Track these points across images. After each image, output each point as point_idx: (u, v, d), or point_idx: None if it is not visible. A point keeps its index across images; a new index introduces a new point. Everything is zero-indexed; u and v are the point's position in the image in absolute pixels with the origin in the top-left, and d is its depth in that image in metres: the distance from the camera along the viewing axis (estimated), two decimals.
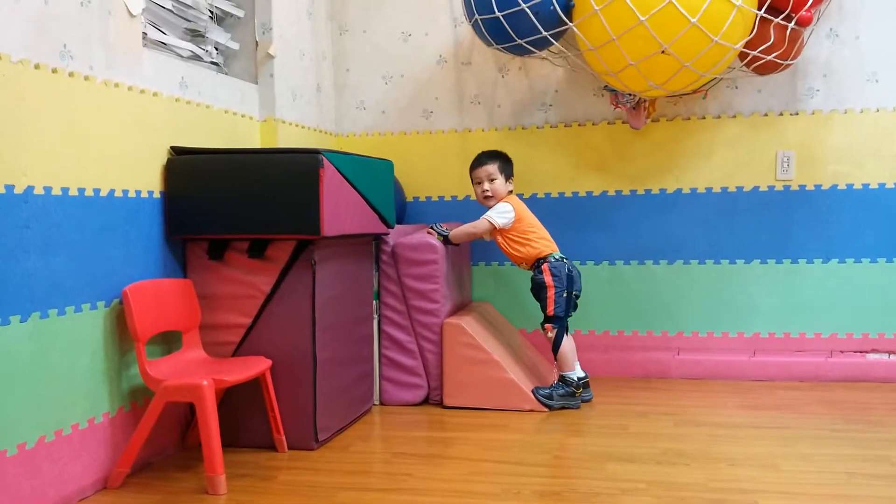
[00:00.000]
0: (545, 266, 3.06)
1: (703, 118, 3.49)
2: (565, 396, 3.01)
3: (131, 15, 2.35)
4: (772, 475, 2.26)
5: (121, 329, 2.32)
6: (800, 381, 3.36)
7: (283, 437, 2.56)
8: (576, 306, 3.13)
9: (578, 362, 3.12)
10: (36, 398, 1.99)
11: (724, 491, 2.14)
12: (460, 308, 3.38)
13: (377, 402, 3.14)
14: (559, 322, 3.04)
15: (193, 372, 2.35)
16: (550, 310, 3.03)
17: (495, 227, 3.11)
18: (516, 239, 3.12)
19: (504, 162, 3.22)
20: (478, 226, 3.13)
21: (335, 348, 2.71)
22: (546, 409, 2.99)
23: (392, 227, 3.06)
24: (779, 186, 3.43)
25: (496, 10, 2.94)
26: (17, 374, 1.93)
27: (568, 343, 3.06)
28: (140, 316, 2.28)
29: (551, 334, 3.04)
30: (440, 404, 3.09)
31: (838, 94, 3.37)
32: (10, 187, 1.90)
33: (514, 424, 2.84)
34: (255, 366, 2.43)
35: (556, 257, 3.08)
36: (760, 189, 3.45)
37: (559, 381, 3.05)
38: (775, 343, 3.46)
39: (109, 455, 2.26)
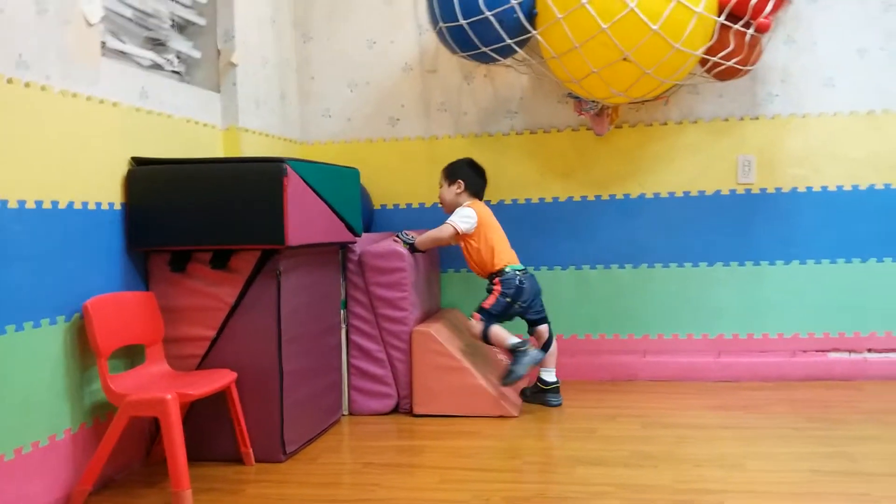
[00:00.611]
0: (497, 280, 3.07)
1: (665, 124, 3.53)
2: (520, 357, 2.93)
3: (89, 24, 2.31)
4: (738, 475, 2.28)
5: (82, 344, 2.27)
6: (764, 381, 3.41)
7: (251, 451, 2.53)
8: (512, 317, 3.10)
9: (554, 368, 3.15)
10: None
11: (691, 492, 2.16)
12: (429, 315, 3.37)
13: (346, 413, 3.12)
14: (488, 317, 3.02)
15: (157, 386, 2.32)
16: (486, 304, 3.04)
17: (458, 232, 3.10)
18: (475, 246, 3.12)
19: (449, 169, 3.24)
20: (442, 231, 3.13)
21: (302, 359, 2.68)
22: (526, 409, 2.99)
23: (359, 236, 3.05)
24: (740, 190, 3.49)
25: (460, 18, 2.95)
26: None
27: (495, 326, 3.01)
28: (101, 330, 2.24)
29: (475, 323, 3.02)
30: (410, 413, 3.08)
31: (796, 99, 3.44)
32: None
33: (485, 431, 2.84)
34: (219, 379, 2.40)
35: (509, 270, 3.07)
36: (722, 193, 3.50)
37: (512, 358, 2.96)
38: (740, 344, 3.51)
39: (71, 473, 2.21)
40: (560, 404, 3.12)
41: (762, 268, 3.49)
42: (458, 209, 3.15)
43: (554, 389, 3.13)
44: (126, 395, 2.20)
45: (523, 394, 3.18)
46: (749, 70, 3.13)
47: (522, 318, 3.13)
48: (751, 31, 2.95)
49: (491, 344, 3.06)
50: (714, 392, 3.28)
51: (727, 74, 3.13)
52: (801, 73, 3.43)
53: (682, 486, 2.21)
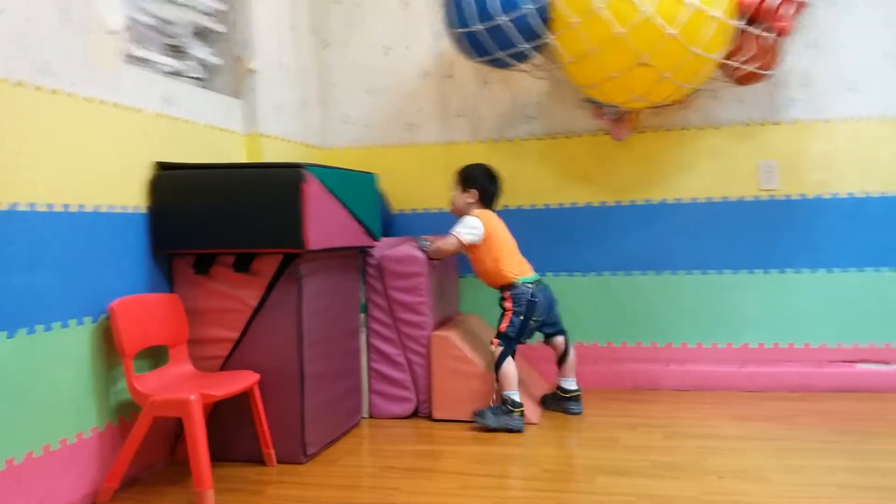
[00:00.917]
0: (507, 294, 3.01)
1: (686, 129, 3.51)
2: (502, 416, 2.88)
3: (112, 32, 2.35)
4: (762, 488, 2.24)
5: (108, 344, 2.30)
6: (790, 392, 3.36)
7: (272, 452, 2.54)
8: (534, 332, 3.06)
9: (574, 377, 3.11)
10: (23, 413, 1.98)
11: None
12: (448, 320, 3.37)
13: (366, 416, 3.12)
14: (507, 342, 2.95)
15: (181, 386, 2.34)
16: (502, 327, 2.97)
17: (463, 243, 3.05)
18: (482, 258, 3.06)
19: (463, 174, 3.18)
20: (447, 242, 3.07)
21: (323, 362, 2.69)
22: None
23: (378, 240, 3.06)
24: (763, 196, 3.46)
25: (475, 24, 2.95)
26: (4, 390, 1.92)
27: (511, 365, 2.93)
28: (127, 331, 2.27)
29: (495, 349, 2.96)
30: (429, 417, 3.07)
31: (819, 104, 3.41)
32: None
33: (504, 437, 2.83)
34: (242, 380, 2.42)
35: (521, 282, 3.00)
36: (745, 199, 3.47)
37: (497, 406, 2.92)
38: (765, 353, 3.46)
39: (98, 470, 2.24)
40: (581, 412, 3.09)
41: (787, 275, 3.45)
42: (464, 218, 3.08)
43: (575, 398, 3.11)
44: (150, 396, 2.22)
45: (543, 401, 3.16)
46: (770, 74, 3.11)
47: (539, 331, 3.10)
48: (771, 35, 2.93)
49: (496, 378, 2.93)
50: (738, 402, 3.23)
51: (747, 79, 3.11)
52: (823, 77, 3.40)
53: (706, 497, 2.17)
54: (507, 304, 3.00)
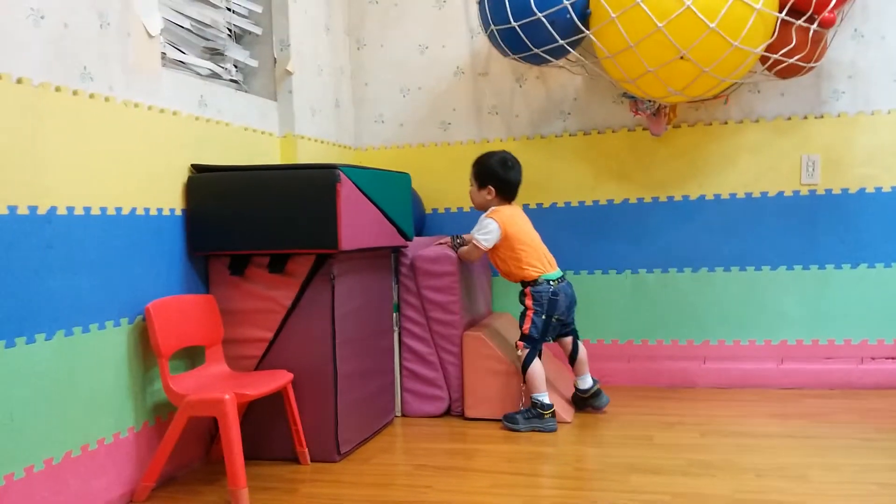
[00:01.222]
0: (528, 290, 2.96)
1: (726, 123, 3.45)
2: (532, 419, 2.87)
3: (150, 36, 2.39)
4: (800, 486, 2.21)
5: (144, 345, 2.35)
6: (830, 389, 3.30)
7: (306, 450, 2.57)
8: (557, 330, 3.01)
9: (588, 372, 3.06)
10: (61, 414, 2.03)
11: (751, 502, 2.10)
12: (481, 319, 3.37)
13: (399, 414, 3.14)
14: (532, 343, 2.92)
15: (216, 386, 2.37)
16: (525, 328, 2.94)
17: (485, 249, 2.99)
18: (502, 257, 3.00)
19: (477, 168, 3.07)
20: (470, 253, 3.04)
21: (356, 361, 2.71)
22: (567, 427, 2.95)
23: (410, 240, 3.06)
24: (804, 191, 3.38)
25: (512, 20, 2.94)
26: (43, 391, 1.97)
27: (538, 365, 2.91)
28: (163, 332, 2.31)
29: (521, 353, 2.93)
30: (462, 416, 3.08)
31: (865, 96, 3.31)
32: (33, 208, 1.94)
33: (536, 436, 2.82)
34: (276, 379, 2.45)
35: (542, 280, 2.94)
36: (785, 194, 3.40)
37: (527, 409, 2.91)
38: (804, 350, 3.40)
39: (135, 470, 2.29)
40: (605, 404, 3.05)
41: (828, 272, 3.37)
42: (481, 220, 3.00)
43: (594, 394, 3.06)
44: (185, 396, 2.26)
45: (573, 402, 3.13)
46: (813, 67, 3.03)
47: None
48: (814, 26, 2.85)
49: (523, 376, 2.91)
50: (777, 400, 3.18)
51: (789, 72, 3.03)
52: (869, 69, 3.30)
53: (742, 496, 2.15)
54: (528, 302, 2.96)
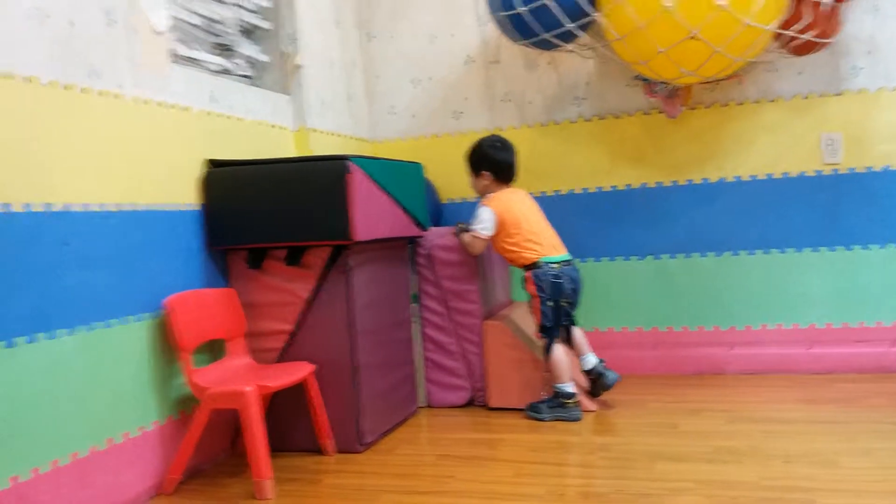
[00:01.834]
0: (528, 275, 2.90)
1: (742, 104, 3.39)
2: (556, 409, 2.83)
3: (157, 32, 2.39)
4: (830, 472, 2.16)
5: (166, 339, 2.35)
6: (860, 373, 3.22)
7: (330, 441, 2.57)
8: (568, 314, 2.92)
9: (589, 351, 2.96)
10: (86, 409, 2.04)
11: (778, 489, 2.05)
12: (501, 308, 3.34)
13: (423, 405, 3.13)
14: (547, 332, 2.87)
15: (238, 379, 2.38)
16: (537, 319, 2.90)
17: (485, 239, 2.94)
18: (501, 243, 2.95)
19: (470, 156, 3.05)
20: (472, 245, 2.96)
21: (376, 352, 2.70)
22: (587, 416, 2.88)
23: (426, 230, 3.05)
24: (826, 171, 3.31)
25: (520, 6, 2.91)
26: (67, 386, 1.98)
27: (559, 353, 2.86)
28: (183, 326, 2.32)
29: (540, 343, 2.90)
30: (485, 406, 3.06)
31: (885, 71, 3.24)
32: (47, 206, 1.95)
33: (560, 425, 2.79)
34: (297, 371, 2.45)
35: (543, 263, 2.88)
36: (807, 174, 3.33)
37: (550, 398, 2.87)
38: (833, 334, 3.32)
39: (161, 463, 2.31)
40: (615, 379, 2.90)
41: (855, 252, 3.30)
42: (477, 210, 2.97)
43: (599, 373, 2.92)
44: (208, 388, 2.27)
45: (589, 389, 3.03)
46: (829, 43, 2.97)
47: None
48: (828, 0, 2.79)
49: (546, 369, 2.88)
50: (806, 385, 3.12)
51: (805, 49, 2.98)
52: (888, 43, 3.22)
53: (769, 483, 2.10)
54: (531, 289, 2.88)
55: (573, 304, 2.93)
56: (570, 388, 2.85)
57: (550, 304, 2.86)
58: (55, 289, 1.96)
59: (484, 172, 3.02)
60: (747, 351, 3.40)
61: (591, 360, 2.95)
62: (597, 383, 2.95)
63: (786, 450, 2.35)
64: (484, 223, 2.94)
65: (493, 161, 3.01)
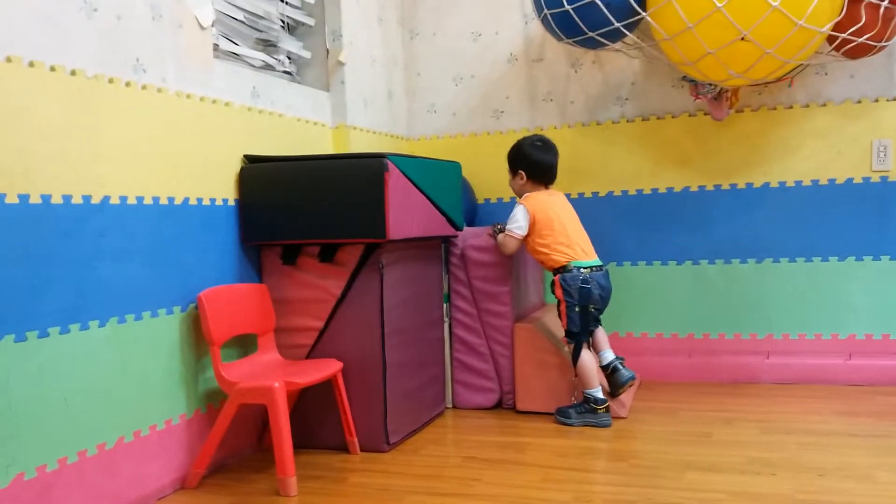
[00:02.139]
0: (556, 279, 2.86)
1: (791, 107, 3.30)
2: (585, 414, 2.80)
3: (202, 27, 2.42)
4: (866, 487, 2.10)
5: (197, 333, 2.38)
6: None
7: (355, 440, 2.58)
8: (596, 320, 2.88)
9: (607, 347, 2.90)
10: (115, 400, 2.08)
11: (812, 503, 2.01)
12: (533, 311, 3.32)
13: (450, 406, 3.12)
14: (575, 337, 2.83)
15: (266, 374, 2.40)
16: (563, 324, 2.85)
17: (518, 239, 2.92)
18: (533, 245, 2.92)
19: (510, 155, 3.03)
20: (505, 244, 2.94)
21: (405, 351, 2.70)
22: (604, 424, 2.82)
23: (461, 230, 3.03)
24: (875, 178, 3.21)
25: (566, 3, 2.87)
26: (97, 377, 2.02)
27: (587, 358, 2.84)
28: (215, 320, 2.34)
29: (567, 349, 2.87)
30: (513, 408, 3.04)
31: None
32: (87, 197, 1.99)
33: (589, 431, 2.76)
34: (326, 368, 2.46)
35: (572, 267, 2.84)
36: (855, 181, 3.24)
37: (580, 404, 2.84)
38: (873, 345, 3.24)
39: (187, 456, 2.33)
40: (629, 377, 2.84)
41: None
42: (513, 209, 2.94)
43: (614, 368, 2.85)
44: (236, 383, 2.29)
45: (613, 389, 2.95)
46: (884, 46, 2.87)
47: None
48: (885, 3, 2.70)
49: (575, 375, 2.85)
50: (844, 397, 3.04)
51: (859, 52, 2.88)
52: None
53: (803, 496, 2.06)
54: (558, 293, 2.85)
55: (601, 310, 2.89)
56: (599, 393, 2.81)
57: (578, 309, 2.83)
58: (90, 281, 1.99)
59: (521, 171, 3.00)
60: (783, 360, 3.33)
61: (608, 356, 2.89)
62: (611, 380, 2.88)
63: (821, 463, 2.30)
64: (518, 222, 2.91)
65: (530, 161, 2.99)
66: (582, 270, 2.84)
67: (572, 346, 2.86)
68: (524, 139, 3.05)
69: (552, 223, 2.89)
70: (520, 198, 3.02)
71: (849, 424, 2.68)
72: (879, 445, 2.44)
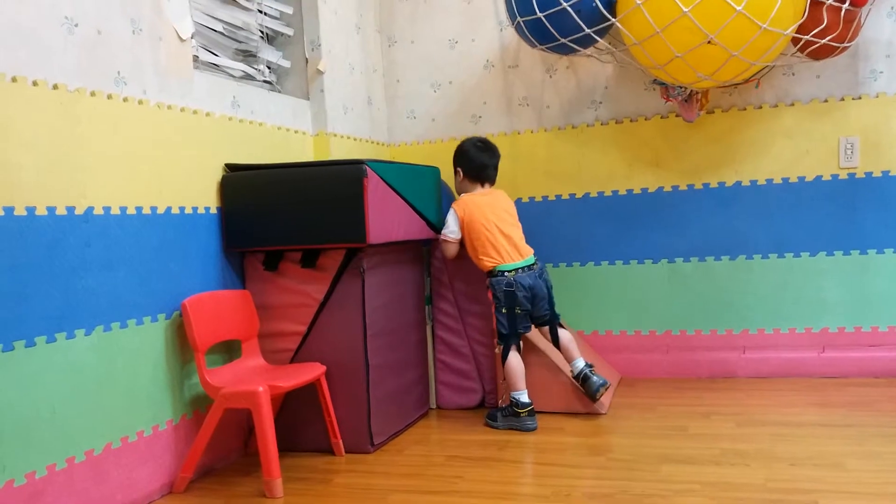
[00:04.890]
0: (488, 282, 2.90)
1: (760, 107, 3.38)
2: (509, 417, 2.84)
3: (181, 40, 2.47)
4: (836, 474, 2.18)
5: (182, 340, 2.42)
6: (874, 378, 3.22)
7: (340, 441, 2.63)
8: (530, 321, 2.90)
9: (577, 356, 2.91)
10: (102, 407, 2.11)
11: (783, 491, 2.08)
12: None
13: (434, 406, 3.18)
14: (504, 339, 2.86)
15: (251, 379, 2.44)
16: (495, 325, 2.90)
17: (454, 241, 2.95)
18: (467, 248, 2.96)
19: (454, 155, 3.06)
20: (445, 249, 2.99)
21: (388, 353, 2.75)
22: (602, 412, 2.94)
23: (440, 232, 3.08)
24: (843, 175, 3.30)
25: (537, 11, 2.94)
26: (84, 385, 2.06)
27: (514, 361, 2.85)
28: (199, 327, 2.38)
29: (497, 350, 2.91)
30: (495, 407, 3.08)
31: None
32: (70, 209, 2.03)
33: (570, 427, 2.82)
34: (309, 372, 2.51)
35: (498, 271, 2.86)
36: (824, 178, 3.32)
37: (507, 406, 2.87)
38: (846, 338, 3.32)
39: (174, 461, 2.37)
40: (600, 384, 2.84)
41: (870, 257, 3.28)
42: (447, 214, 2.99)
43: (585, 377, 2.86)
44: (221, 388, 2.33)
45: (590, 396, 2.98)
46: (847, 47, 2.95)
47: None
48: (846, 4, 2.78)
49: (504, 376, 2.88)
50: (818, 389, 3.12)
51: (822, 53, 2.96)
52: None
53: (774, 485, 2.13)
54: (489, 295, 2.90)
55: (529, 312, 2.89)
56: (524, 396, 2.84)
57: (504, 310, 2.85)
58: (76, 290, 2.03)
59: (459, 169, 3.04)
60: (759, 355, 3.40)
61: (579, 365, 2.90)
62: (584, 388, 2.90)
63: (793, 453, 2.37)
64: (450, 226, 2.96)
65: (466, 158, 3.02)
66: (507, 274, 2.86)
67: (500, 347, 2.88)
68: (468, 139, 3.10)
69: (480, 227, 2.90)
70: (457, 195, 3.06)
71: (822, 415, 2.75)
72: (851, 435, 2.51)
